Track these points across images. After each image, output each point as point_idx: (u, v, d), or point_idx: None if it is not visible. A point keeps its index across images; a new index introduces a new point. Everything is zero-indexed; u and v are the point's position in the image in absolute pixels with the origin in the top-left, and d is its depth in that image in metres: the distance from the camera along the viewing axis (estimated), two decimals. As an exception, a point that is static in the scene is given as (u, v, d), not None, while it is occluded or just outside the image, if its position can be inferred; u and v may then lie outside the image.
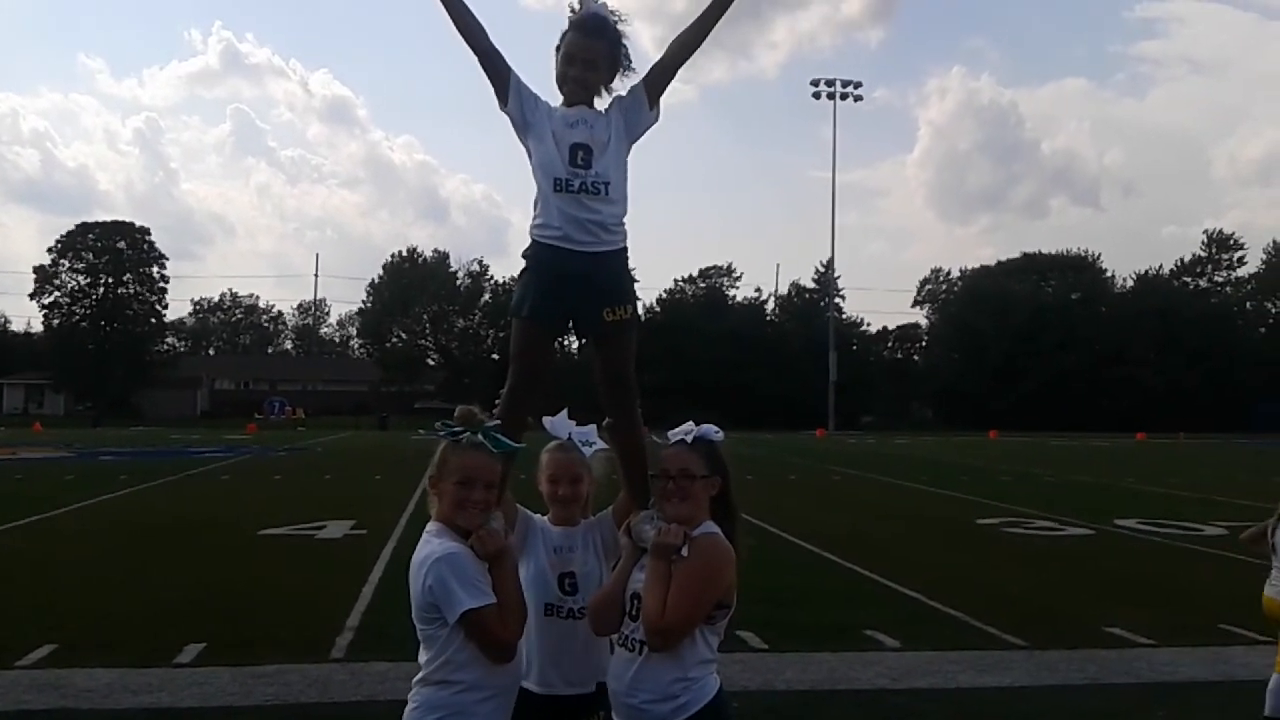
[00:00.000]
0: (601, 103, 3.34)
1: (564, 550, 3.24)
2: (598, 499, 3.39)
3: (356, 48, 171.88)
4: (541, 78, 3.38)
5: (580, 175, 3.18)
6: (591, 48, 3.27)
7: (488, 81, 3.35)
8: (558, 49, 3.35)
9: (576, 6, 3.34)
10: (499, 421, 2.96)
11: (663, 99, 3.37)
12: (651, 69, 3.36)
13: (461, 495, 2.86)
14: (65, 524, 13.97)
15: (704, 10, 3.40)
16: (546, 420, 3.36)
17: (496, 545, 2.86)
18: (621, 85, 3.34)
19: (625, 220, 3.29)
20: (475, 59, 3.33)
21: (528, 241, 3.27)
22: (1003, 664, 6.87)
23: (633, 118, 3.32)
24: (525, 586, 3.19)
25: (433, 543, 2.82)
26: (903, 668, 6.63)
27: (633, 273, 3.39)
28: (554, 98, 3.36)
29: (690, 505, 2.96)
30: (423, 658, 2.86)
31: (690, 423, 3.12)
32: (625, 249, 3.28)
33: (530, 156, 3.31)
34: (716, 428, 3.08)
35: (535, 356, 3.27)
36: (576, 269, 3.16)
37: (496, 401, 3.26)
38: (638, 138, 3.36)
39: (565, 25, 3.34)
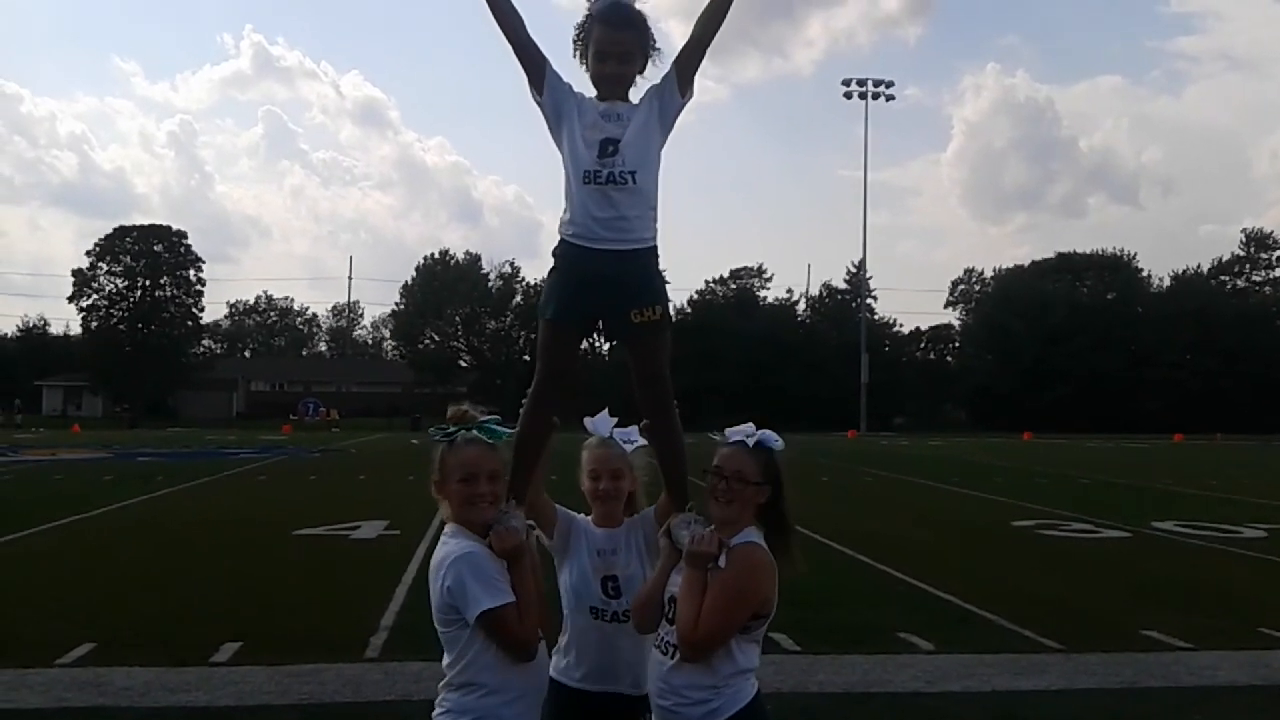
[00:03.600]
0: (636, 92, 3.28)
1: (607, 553, 3.22)
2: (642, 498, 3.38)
3: (387, 49, 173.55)
4: (572, 70, 3.35)
5: (608, 165, 3.13)
6: (622, 40, 3.22)
7: (522, 72, 3.29)
8: (578, 40, 3.29)
9: None
10: (492, 414, 2.94)
11: (696, 95, 3.30)
12: (682, 50, 3.29)
13: (468, 492, 2.84)
14: (104, 524, 14.14)
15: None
16: (588, 420, 3.34)
17: (514, 542, 2.84)
18: (653, 70, 3.29)
19: (656, 215, 3.23)
20: (511, 50, 3.28)
21: (558, 241, 3.26)
22: (1038, 667, 6.80)
23: (667, 103, 3.25)
24: (569, 589, 3.22)
25: (450, 543, 2.81)
26: (937, 671, 6.59)
27: (663, 272, 3.34)
28: (586, 87, 3.32)
29: (736, 509, 2.93)
30: (445, 660, 2.85)
31: (750, 425, 3.05)
32: (654, 247, 3.21)
33: (561, 149, 3.26)
34: (776, 436, 3.02)
35: (560, 357, 3.24)
36: (602, 269, 3.11)
37: (523, 401, 3.25)
38: (671, 125, 3.29)
39: (585, 16, 3.27)
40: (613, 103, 3.23)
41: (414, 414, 65.10)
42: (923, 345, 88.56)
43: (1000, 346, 77.01)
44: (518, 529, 2.89)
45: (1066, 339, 72.92)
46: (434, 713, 2.87)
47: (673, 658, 2.89)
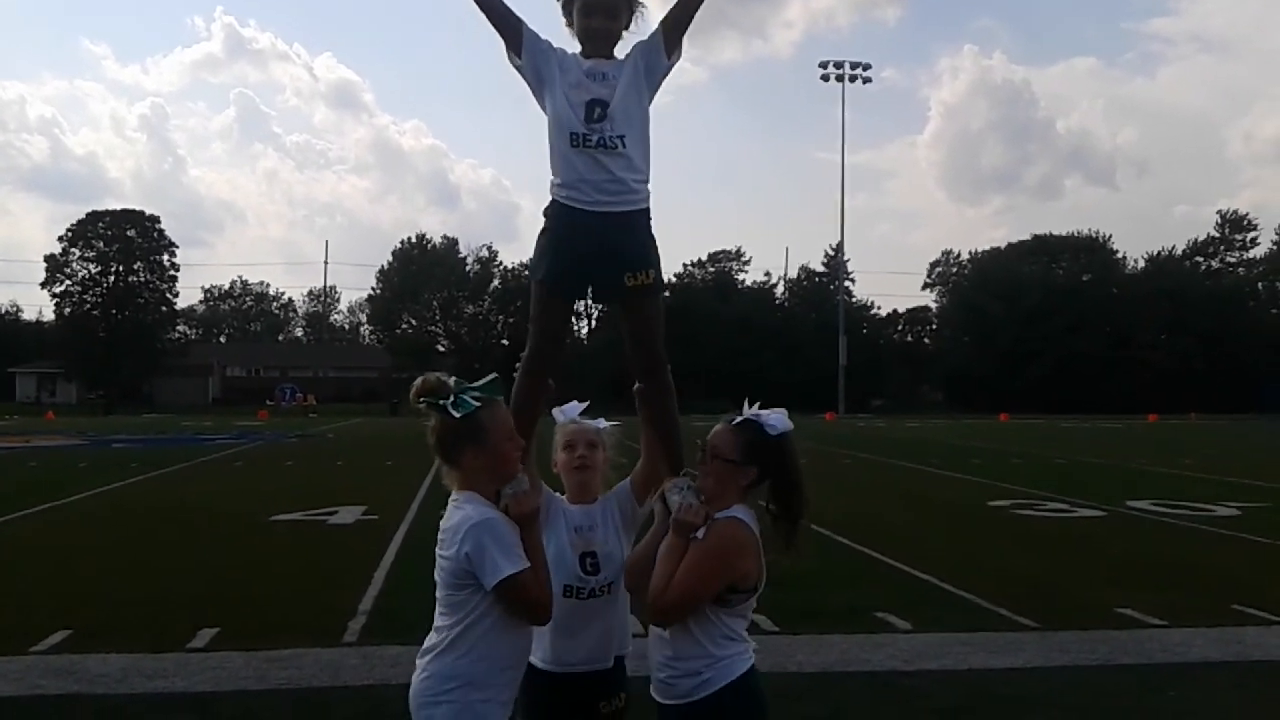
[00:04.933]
0: (622, 48, 3.23)
1: (585, 529, 3.21)
2: (608, 482, 3.37)
3: (361, 31, 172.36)
4: (553, 26, 3.29)
5: (597, 130, 3.08)
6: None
7: (499, 40, 3.22)
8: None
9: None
10: (469, 385, 2.87)
11: (673, 76, 3.26)
12: (670, 9, 3.24)
13: (512, 451, 2.84)
14: (78, 511, 14.04)
15: None
16: (555, 410, 3.32)
17: (531, 505, 2.84)
18: (638, 26, 3.24)
19: (647, 176, 3.19)
20: (485, 17, 3.22)
21: (539, 224, 3.20)
22: (1014, 645, 6.86)
23: (653, 63, 3.20)
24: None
25: (465, 508, 2.77)
26: (914, 650, 6.63)
27: (654, 236, 3.28)
28: (566, 43, 3.26)
29: (713, 483, 2.92)
30: (440, 623, 2.81)
31: (771, 411, 3.01)
32: (647, 209, 3.18)
33: (545, 110, 3.20)
34: (779, 418, 2.97)
35: (554, 321, 3.22)
36: (595, 231, 3.08)
37: (517, 365, 3.23)
38: (658, 85, 3.24)
39: None
40: (598, 60, 3.17)
41: (392, 399, 64.86)
42: (900, 327, 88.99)
43: (977, 328, 77.47)
44: (532, 494, 2.89)
45: (1043, 320, 73.40)
46: (417, 678, 2.81)
47: (665, 628, 2.91)
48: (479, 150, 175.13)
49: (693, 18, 3.25)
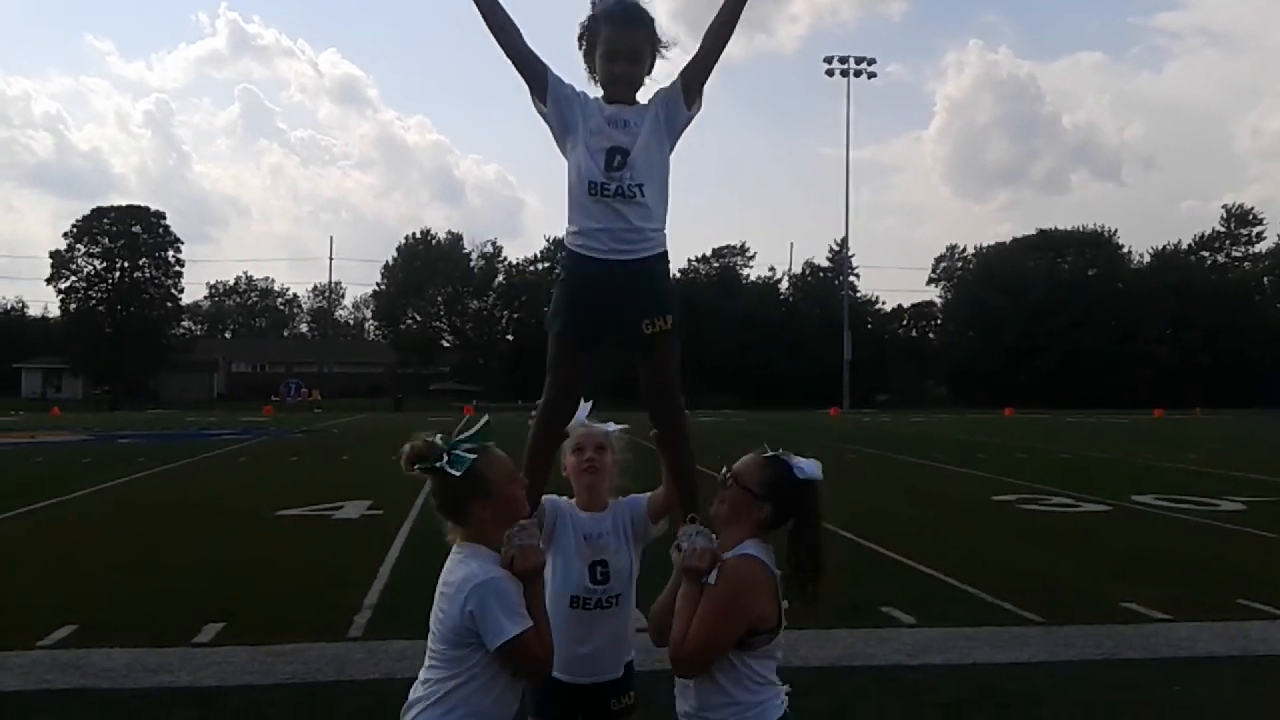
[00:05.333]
0: (645, 93, 3.21)
1: (595, 537, 3.17)
2: (616, 488, 3.36)
3: (365, 27, 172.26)
4: (568, 68, 3.26)
5: (616, 179, 3.05)
6: (633, 38, 3.13)
7: (521, 79, 3.18)
8: (582, 39, 3.20)
9: None
10: (459, 436, 2.77)
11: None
12: (689, 63, 3.22)
13: (506, 501, 2.75)
14: (84, 506, 14.07)
15: (723, 12, 3.26)
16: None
17: (536, 561, 2.76)
18: (662, 69, 3.24)
19: (665, 223, 3.16)
20: (509, 61, 3.18)
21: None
22: (1019, 640, 6.85)
23: (674, 113, 3.18)
24: (552, 579, 3.13)
25: (470, 564, 2.68)
26: (919, 644, 6.62)
27: (672, 279, 3.26)
28: (588, 85, 3.23)
29: (728, 509, 2.84)
30: (429, 676, 2.72)
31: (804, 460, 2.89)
32: (664, 253, 3.16)
33: (566, 157, 3.17)
34: (812, 465, 2.85)
35: (570, 372, 3.19)
36: (612, 282, 3.04)
37: (533, 414, 3.21)
38: (679, 135, 3.22)
39: (589, 16, 3.18)
40: (620, 107, 3.14)
41: (396, 394, 64.94)
42: (905, 322, 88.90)
43: (982, 323, 77.36)
44: (539, 548, 2.81)
45: (1048, 315, 73.28)
46: None
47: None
48: (483, 146, 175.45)
49: (711, 70, 3.23)
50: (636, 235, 3.06)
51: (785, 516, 2.84)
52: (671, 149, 3.20)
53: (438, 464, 2.69)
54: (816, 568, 2.84)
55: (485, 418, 2.82)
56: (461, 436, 2.74)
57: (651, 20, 3.18)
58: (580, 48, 3.21)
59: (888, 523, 12.06)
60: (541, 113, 3.19)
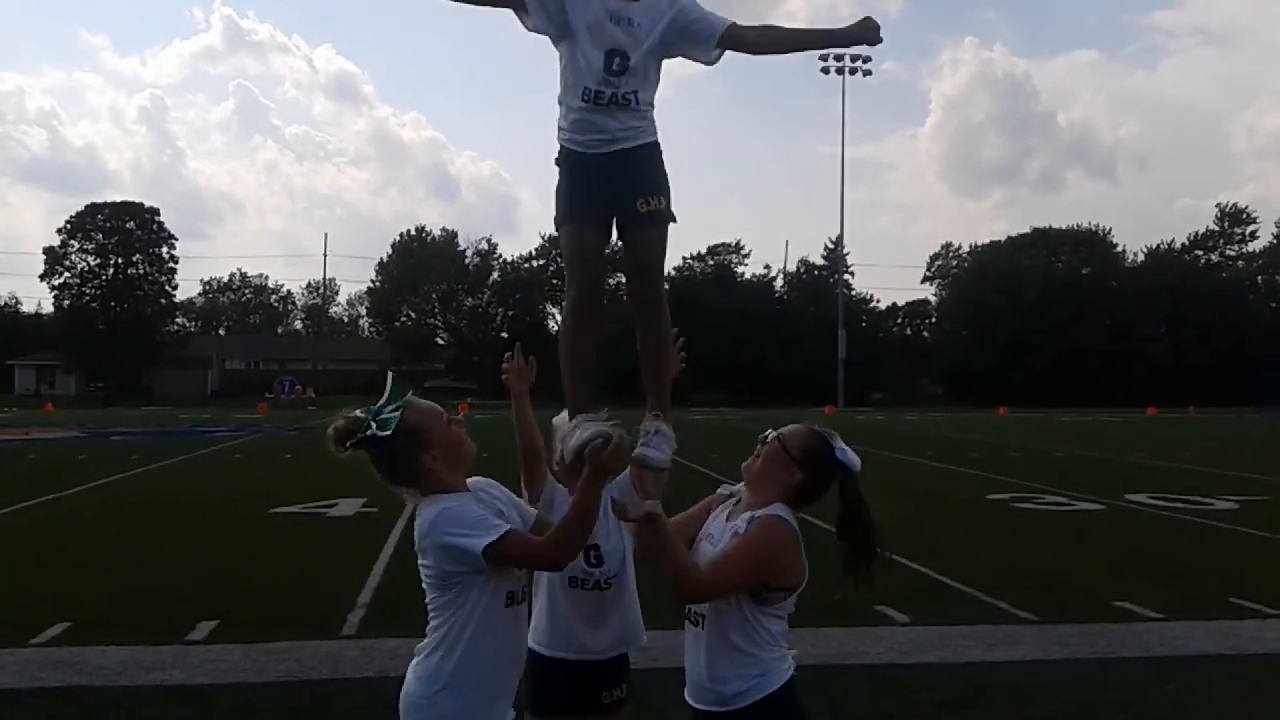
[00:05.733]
0: None
1: None
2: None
3: (360, 22, 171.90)
4: None
5: (613, 85, 3.04)
6: None
7: (500, 9, 3.13)
8: None
9: None
10: (378, 405, 2.73)
11: (675, 68, 3.24)
12: (737, 31, 3.18)
13: (449, 442, 2.73)
14: (77, 503, 14.05)
15: (795, 37, 3.30)
16: (556, 419, 3.23)
17: (615, 459, 2.76)
18: None
19: (653, 112, 3.16)
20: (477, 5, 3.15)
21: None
22: (1012, 638, 6.87)
23: (693, 44, 3.16)
24: None
25: (424, 511, 2.70)
26: (912, 642, 6.64)
27: (663, 165, 3.22)
28: None
29: (760, 464, 2.87)
30: (430, 626, 2.76)
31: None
32: (655, 141, 3.17)
33: (559, 51, 3.14)
34: (855, 456, 2.95)
35: (587, 249, 3.13)
36: (608, 167, 3.07)
37: (559, 324, 3.23)
38: (672, 55, 3.19)
39: None
40: (623, 2, 3.06)
41: (391, 391, 64.82)
42: (900, 321, 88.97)
43: (977, 321, 77.44)
44: (616, 447, 2.77)
45: (1042, 314, 73.40)
46: (407, 679, 2.76)
47: (702, 627, 2.83)
48: (478, 142, 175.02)
49: (738, 50, 3.22)
50: (629, 133, 3.09)
51: (813, 493, 2.88)
52: (662, 58, 3.19)
53: (367, 433, 2.66)
54: (872, 552, 2.97)
55: (391, 375, 2.80)
56: (380, 404, 2.71)
57: None
58: None
59: (881, 521, 12.05)
60: (533, 27, 3.12)
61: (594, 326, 3.18)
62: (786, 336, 73.82)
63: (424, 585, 2.77)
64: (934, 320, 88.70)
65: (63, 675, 5.91)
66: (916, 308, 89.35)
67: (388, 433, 2.63)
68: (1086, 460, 22.21)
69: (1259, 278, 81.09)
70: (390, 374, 2.80)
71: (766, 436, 2.91)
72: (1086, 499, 14.46)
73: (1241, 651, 6.56)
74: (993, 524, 12.40)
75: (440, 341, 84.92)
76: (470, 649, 2.66)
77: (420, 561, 2.74)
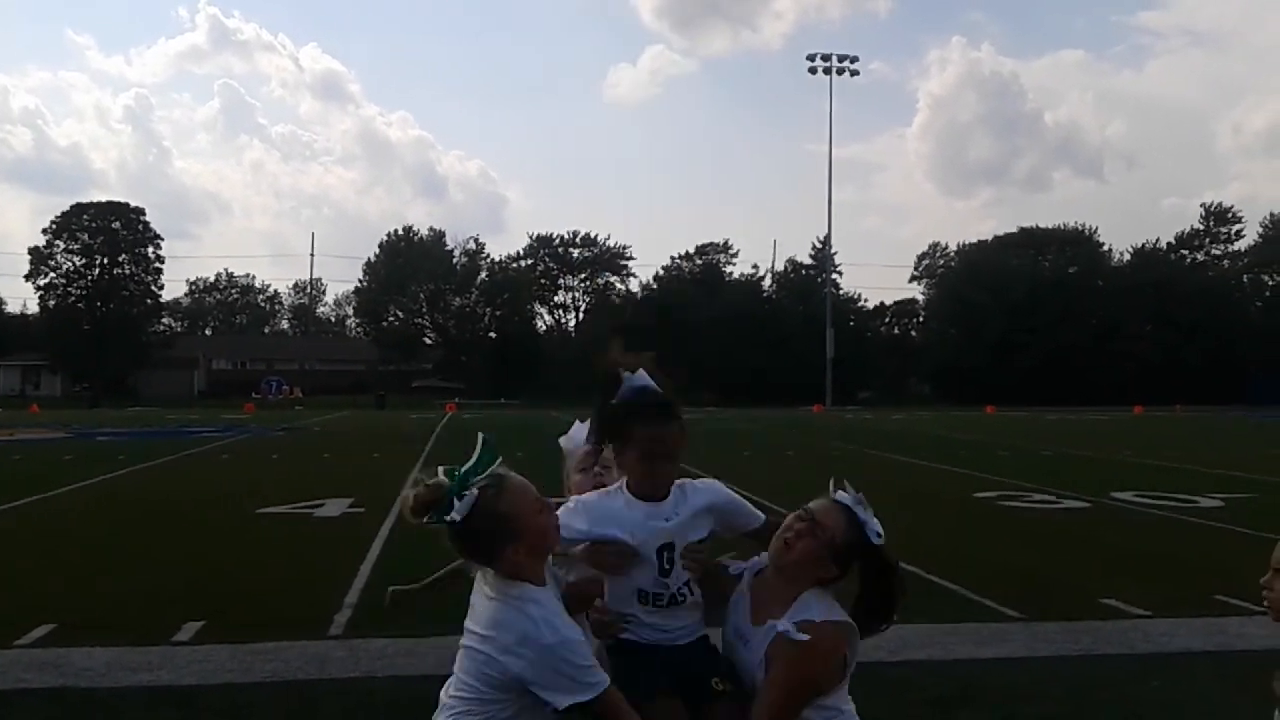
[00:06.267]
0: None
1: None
2: None
3: (346, 21, 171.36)
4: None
5: (668, 587, 2.84)
6: (668, 436, 2.91)
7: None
8: (605, 428, 2.92)
9: (624, 374, 2.91)
10: (465, 469, 2.52)
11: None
12: (741, 526, 3.04)
13: (537, 533, 2.52)
14: (63, 504, 13.98)
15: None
16: (563, 440, 3.10)
17: (598, 591, 2.66)
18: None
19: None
20: None
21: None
22: (999, 636, 6.89)
23: (731, 521, 3.01)
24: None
25: (530, 611, 2.43)
26: (899, 640, 6.63)
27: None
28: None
29: (797, 558, 2.69)
30: (459, 696, 2.52)
31: (863, 500, 2.84)
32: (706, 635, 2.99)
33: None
34: (879, 525, 2.79)
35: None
36: (673, 657, 2.87)
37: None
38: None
39: (606, 403, 2.88)
40: (656, 504, 2.91)
41: (379, 391, 64.75)
42: (888, 320, 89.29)
43: (964, 321, 77.75)
44: (597, 579, 2.69)
45: (1029, 313, 73.73)
46: None
47: None
48: (466, 142, 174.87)
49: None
50: (689, 629, 2.90)
51: (844, 575, 2.76)
52: None
53: (448, 518, 2.44)
54: (892, 612, 2.81)
55: (482, 438, 2.55)
56: (466, 468, 2.48)
57: (679, 407, 2.99)
58: (598, 436, 2.96)
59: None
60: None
61: None
62: (775, 336, 73.98)
63: (465, 660, 2.53)
64: (922, 319, 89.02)
65: (48, 676, 5.87)
66: (904, 307, 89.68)
67: (460, 520, 2.43)
68: (1074, 459, 22.28)
69: (1244, 276, 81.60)
70: (482, 437, 2.56)
71: (801, 520, 2.74)
72: (1073, 497, 14.51)
73: (1227, 648, 6.58)
74: (980, 523, 12.43)
75: (428, 341, 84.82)
76: None
77: (481, 648, 2.48)
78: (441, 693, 2.62)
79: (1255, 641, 6.60)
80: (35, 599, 7.84)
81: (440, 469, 2.49)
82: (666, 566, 2.84)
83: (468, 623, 2.59)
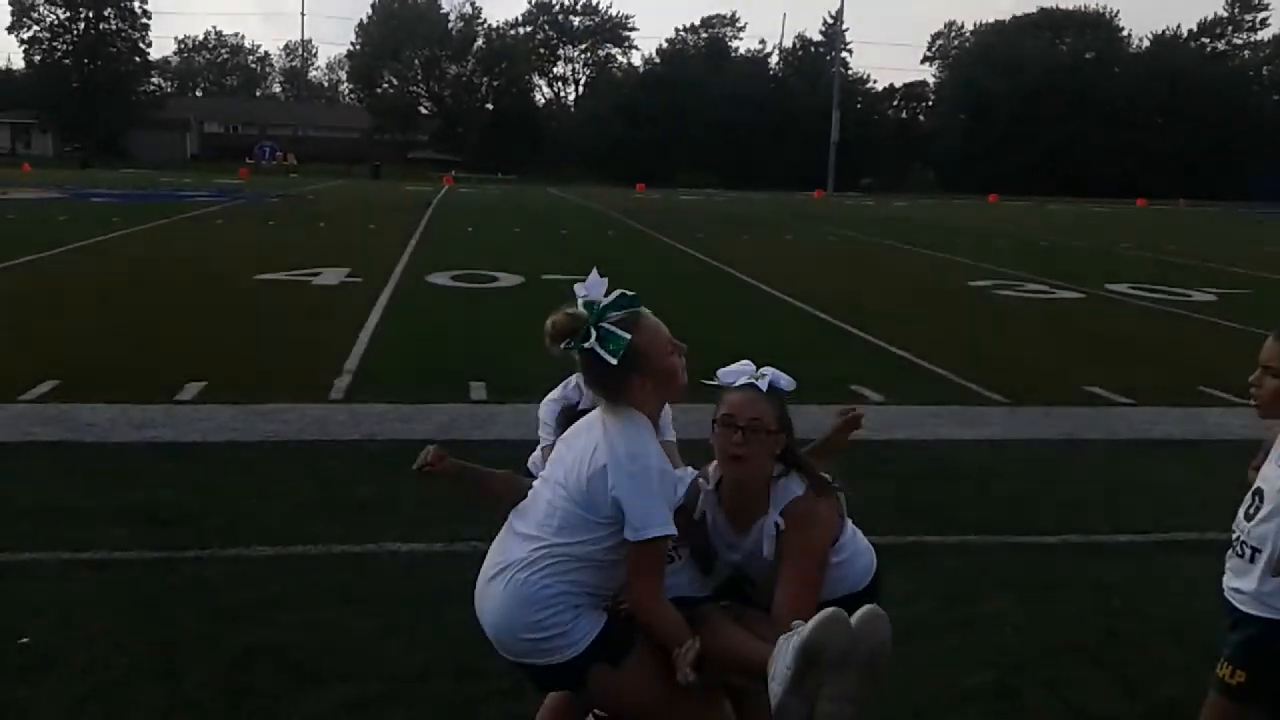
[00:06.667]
0: None
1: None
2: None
3: None
4: None
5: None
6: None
7: None
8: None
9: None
10: (603, 305, 2.52)
11: None
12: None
13: (666, 372, 2.54)
14: (60, 264, 14.00)
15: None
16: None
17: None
18: None
19: None
20: None
21: None
22: (981, 419, 7.06)
23: None
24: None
25: (641, 436, 2.48)
26: (884, 420, 6.79)
27: None
28: None
29: (753, 466, 2.65)
30: (554, 537, 2.49)
31: (748, 363, 2.74)
32: None
33: None
34: (787, 376, 2.75)
35: None
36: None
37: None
38: None
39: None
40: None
41: (374, 162, 63.84)
42: (896, 103, 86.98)
43: (974, 106, 75.74)
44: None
45: (1041, 99, 71.80)
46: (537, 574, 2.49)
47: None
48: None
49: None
50: (690, 587, 2.79)
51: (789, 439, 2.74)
52: None
53: (587, 344, 2.48)
54: (813, 468, 2.76)
55: (619, 293, 2.57)
56: (606, 303, 2.52)
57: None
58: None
59: (863, 305, 12.18)
60: None
61: None
62: (778, 117, 72.25)
63: (567, 483, 2.51)
64: (931, 103, 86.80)
65: (54, 430, 6.03)
66: (914, 90, 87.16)
67: (614, 361, 2.46)
68: (1071, 250, 22.26)
69: (1264, 69, 79.08)
70: (596, 272, 2.58)
71: (731, 430, 2.64)
72: (1067, 287, 14.57)
73: (1205, 437, 6.76)
74: (972, 310, 12.52)
75: (424, 111, 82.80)
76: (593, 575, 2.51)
77: (595, 470, 2.46)
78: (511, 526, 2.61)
79: (1234, 431, 6.78)
80: (37, 356, 7.95)
81: (580, 300, 2.54)
82: None
83: (544, 472, 2.64)
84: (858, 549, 2.79)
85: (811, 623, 2.26)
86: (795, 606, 2.52)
